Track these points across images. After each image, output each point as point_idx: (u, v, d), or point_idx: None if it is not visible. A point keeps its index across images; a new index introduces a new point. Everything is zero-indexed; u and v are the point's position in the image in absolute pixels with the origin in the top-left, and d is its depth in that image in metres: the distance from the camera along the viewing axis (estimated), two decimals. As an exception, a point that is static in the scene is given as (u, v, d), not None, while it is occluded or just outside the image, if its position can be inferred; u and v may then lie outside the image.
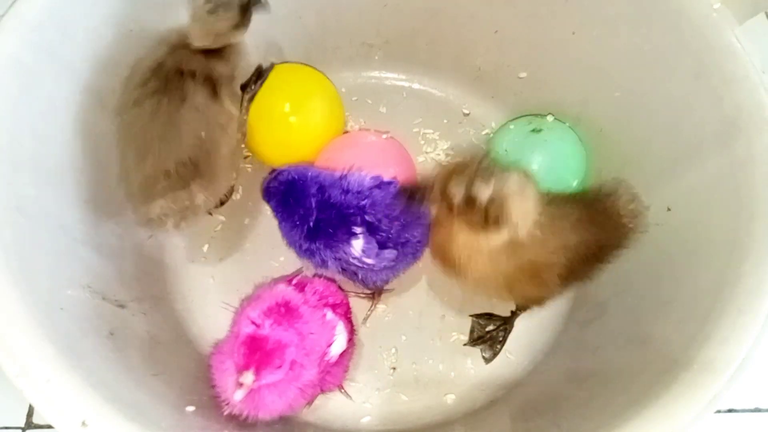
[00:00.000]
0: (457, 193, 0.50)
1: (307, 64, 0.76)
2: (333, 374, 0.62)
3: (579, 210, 0.58)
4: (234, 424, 0.58)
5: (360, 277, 0.64)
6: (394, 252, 0.62)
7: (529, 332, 0.72)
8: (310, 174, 0.62)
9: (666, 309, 0.57)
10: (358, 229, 0.60)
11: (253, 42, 0.72)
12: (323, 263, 0.62)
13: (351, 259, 0.61)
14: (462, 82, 0.81)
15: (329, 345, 0.59)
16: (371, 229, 0.61)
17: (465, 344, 0.70)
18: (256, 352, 0.52)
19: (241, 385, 0.51)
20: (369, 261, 0.61)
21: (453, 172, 0.51)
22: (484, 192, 0.49)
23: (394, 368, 0.70)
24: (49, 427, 0.45)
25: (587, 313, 0.69)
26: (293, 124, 0.71)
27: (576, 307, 0.71)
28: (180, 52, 0.58)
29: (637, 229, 0.60)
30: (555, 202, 0.57)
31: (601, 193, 0.61)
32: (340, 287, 0.67)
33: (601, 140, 0.72)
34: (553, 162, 0.71)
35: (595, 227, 0.58)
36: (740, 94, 0.55)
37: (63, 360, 0.47)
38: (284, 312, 0.56)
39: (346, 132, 0.78)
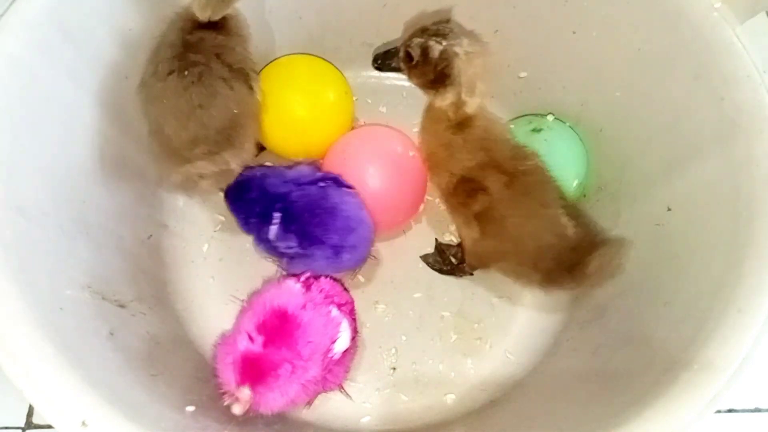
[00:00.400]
0: (415, 49, 0.57)
1: (318, 56, 0.76)
2: (334, 373, 0.62)
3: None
4: (234, 424, 0.58)
5: (286, 262, 0.67)
6: (295, 240, 0.65)
7: (529, 332, 0.72)
8: (262, 171, 0.68)
9: (666, 309, 0.57)
10: (276, 215, 0.64)
11: (253, 42, 0.72)
12: (258, 243, 0.68)
13: (271, 244, 0.66)
14: (462, 82, 0.81)
15: (333, 342, 0.59)
16: (287, 218, 0.65)
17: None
18: (251, 370, 0.53)
19: (238, 399, 0.52)
20: (277, 243, 0.65)
21: (415, 32, 0.58)
22: (435, 48, 0.56)
23: (394, 368, 0.70)
24: (49, 427, 0.45)
25: (587, 313, 0.69)
26: (304, 116, 0.71)
27: (576, 308, 0.71)
28: (197, 34, 0.61)
29: (594, 281, 0.60)
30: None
31: (591, 238, 0.60)
32: (345, 288, 0.67)
33: (601, 140, 0.72)
34: (554, 162, 0.71)
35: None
36: (741, 94, 0.55)
37: (63, 360, 0.47)
38: (279, 325, 0.56)
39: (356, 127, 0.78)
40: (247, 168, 0.67)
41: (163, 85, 0.60)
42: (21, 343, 0.46)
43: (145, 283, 0.67)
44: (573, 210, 0.62)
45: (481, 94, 0.59)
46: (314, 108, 0.71)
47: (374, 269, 0.74)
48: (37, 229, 0.53)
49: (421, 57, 0.58)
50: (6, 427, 0.67)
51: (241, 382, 0.53)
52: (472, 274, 0.73)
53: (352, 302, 0.66)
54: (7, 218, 0.51)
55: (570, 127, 0.75)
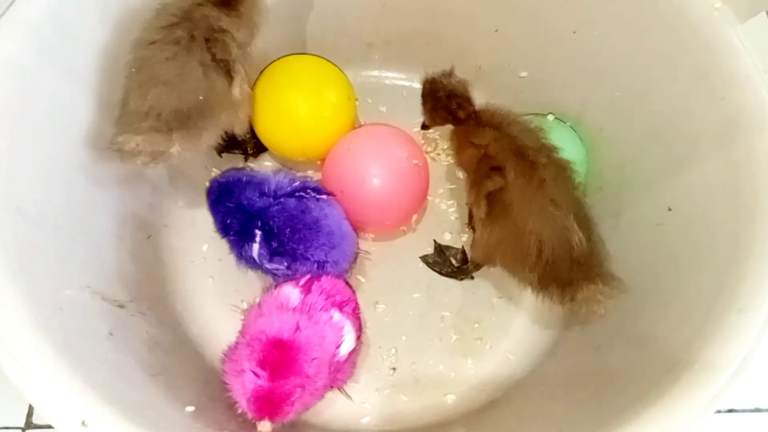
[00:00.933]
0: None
1: (320, 56, 0.76)
2: (343, 371, 0.62)
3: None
4: (234, 424, 0.58)
5: (271, 277, 0.67)
6: (284, 263, 0.64)
7: (530, 333, 0.72)
8: (239, 177, 0.67)
9: (666, 309, 0.57)
10: (257, 232, 0.64)
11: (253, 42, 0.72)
12: (239, 258, 0.67)
13: (255, 261, 0.65)
14: (462, 82, 0.81)
15: (338, 346, 0.59)
16: (267, 235, 0.64)
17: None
18: (265, 406, 0.53)
19: (260, 429, 0.53)
20: (266, 266, 0.65)
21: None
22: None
23: (393, 368, 0.70)
24: (49, 427, 0.45)
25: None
26: (305, 117, 0.71)
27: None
28: (203, 9, 0.61)
29: (578, 311, 0.60)
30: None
31: (593, 263, 0.60)
32: (347, 283, 0.67)
33: (601, 140, 0.72)
34: None
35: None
36: (741, 94, 0.55)
37: (63, 360, 0.47)
38: (279, 357, 0.55)
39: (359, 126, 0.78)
40: (230, 171, 0.67)
41: (141, 54, 0.59)
42: (21, 343, 0.46)
43: (145, 283, 0.67)
44: (586, 224, 0.61)
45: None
46: (316, 109, 0.71)
47: (374, 269, 0.74)
48: (37, 229, 0.53)
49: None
50: (6, 427, 0.67)
51: (260, 418, 0.53)
52: (472, 278, 0.73)
53: (354, 299, 0.66)
54: (7, 218, 0.51)
55: (571, 126, 0.75)
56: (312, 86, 0.72)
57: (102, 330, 0.56)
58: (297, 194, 0.66)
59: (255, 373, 0.54)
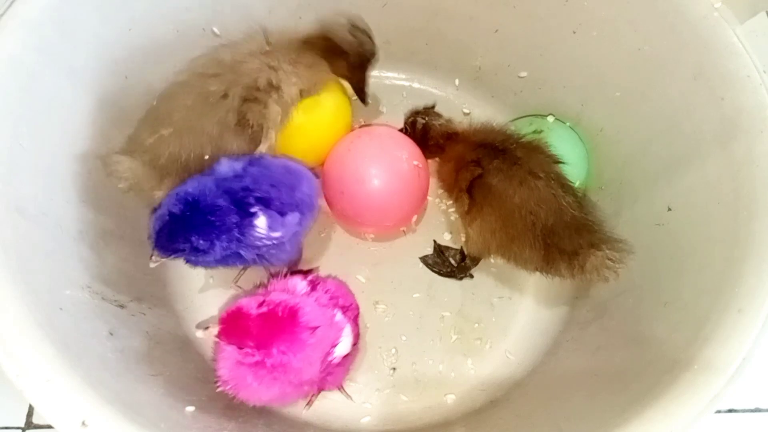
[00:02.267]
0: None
1: None
2: (334, 375, 0.62)
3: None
4: (234, 424, 0.58)
5: (275, 256, 0.64)
6: (297, 215, 0.62)
7: (530, 333, 0.72)
8: (177, 197, 0.59)
9: (666, 309, 0.57)
10: (254, 209, 0.60)
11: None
12: (241, 258, 0.62)
13: (262, 240, 0.60)
14: (462, 81, 0.81)
15: (334, 346, 0.59)
16: (266, 203, 0.60)
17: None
18: (232, 319, 0.54)
19: (206, 329, 0.54)
20: (277, 234, 0.61)
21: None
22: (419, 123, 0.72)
23: (394, 368, 0.70)
24: (49, 427, 0.45)
25: (587, 313, 0.69)
26: (301, 122, 0.70)
27: (576, 308, 0.71)
28: (264, 59, 0.62)
29: (589, 280, 0.60)
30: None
31: (594, 228, 0.61)
32: (350, 290, 0.67)
33: (601, 140, 0.72)
34: None
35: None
36: (741, 94, 0.55)
37: (63, 360, 0.47)
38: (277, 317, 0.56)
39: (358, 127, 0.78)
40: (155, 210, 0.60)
41: (172, 90, 0.61)
42: (21, 343, 0.46)
43: (145, 283, 0.67)
44: (572, 191, 0.62)
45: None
46: (312, 114, 0.71)
47: (374, 269, 0.74)
48: (37, 229, 0.53)
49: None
50: (6, 427, 0.67)
51: (220, 324, 0.53)
52: (472, 276, 0.74)
53: (356, 306, 0.66)
54: (7, 218, 0.51)
55: (571, 127, 0.75)
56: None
57: (102, 330, 0.56)
58: (249, 164, 0.63)
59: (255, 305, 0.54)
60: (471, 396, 0.68)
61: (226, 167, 0.61)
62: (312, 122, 0.71)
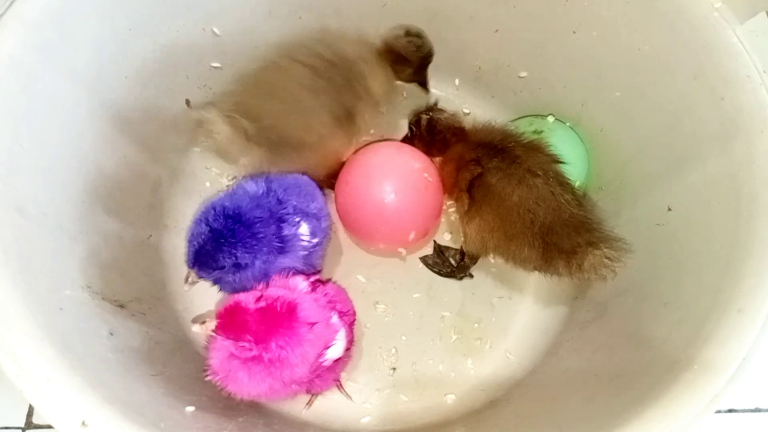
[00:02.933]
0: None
1: None
2: (323, 378, 0.62)
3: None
4: (234, 424, 0.58)
5: (312, 261, 0.66)
6: (327, 220, 0.66)
7: (530, 333, 0.72)
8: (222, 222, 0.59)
9: (666, 309, 0.57)
10: (297, 218, 0.62)
11: (253, 43, 0.72)
12: (276, 270, 0.62)
13: (306, 248, 0.63)
14: (462, 81, 0.81)
15: (327, 347, 0.59)
16: (303, 212, 0.63)
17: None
18: (229, 312, 0.54)
19: (203, 323, 0.54)
20: (317, 239, 0.64)
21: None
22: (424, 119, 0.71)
23: (394, 369, 0.70)
24: (49, 427, 0.45)
25: (587, 313, 0.69)
26: None
27: (576, 308, 0.71)
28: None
29: (588, 279, 0.60)
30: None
31: (593, 227, 0.61)
32: (349, 298, 0.67)
33: (601, 140, 0.72)
34: None
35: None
36: (741, 94, 0.55)
37: (63, 360, 0.47)
38: (280, 312, 0.56)
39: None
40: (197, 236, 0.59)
41: (283, 63, 0.62)
42: (21, 343, 0.46)
43: (145, 283, 0.67)
44: (572, 189, 0.62)
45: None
46: None
47: (374, 269, 0.74)
48: (37, 229, 0.53)
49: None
50: (6, 427, 0.67)
51: (218, 318, 0.53)
52: (471, 276, 0.74)
53: (354, 313, 0.66)
54: (7, 218, 0.51)
55: (571, 127, 0.75)
56: None
57: (102, 330, 0.56)
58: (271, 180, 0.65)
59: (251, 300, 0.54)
60: (471, 396, 0.68)
61: (253, 185, 0.62)
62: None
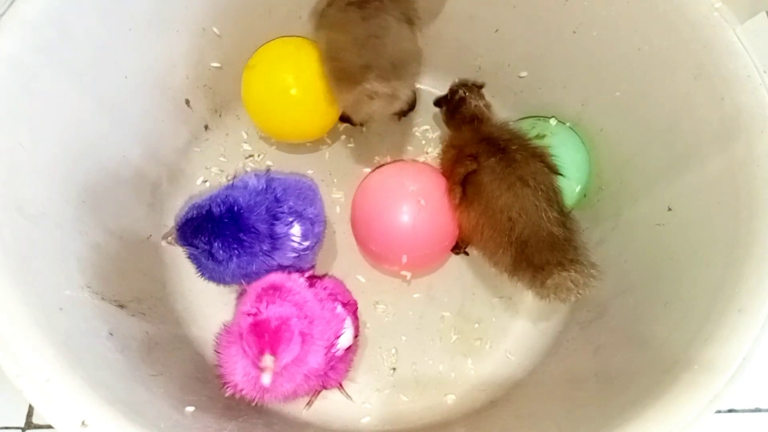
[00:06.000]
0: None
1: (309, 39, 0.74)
2: (336, 370, 0.62)
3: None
4: (234, 424, 0.58)
5: (299, 265, 0.65)
6: (322, 225, 0.66)
7: (530, 333, 0.72)
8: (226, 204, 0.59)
9: (666, 309, 0.57)
10: (290, 218, 0.62)
11: (253, 43, 0.72)
12: (254, 276, 0.61)
13: (295, 250, 0.62)
14: (462, 82, 0.81)
15: (337, 336, 0.59)
16: (299, 214, 0.63)
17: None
18: (264, 335, 0.51)
19: (263, 369, 0.51)
20: (307, 243, 0.63)
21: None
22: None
23: (394, 369, 0.70)
24: (49, 427, 0.45)
25: (588, 313, 0.69)
26: (295, 97, 0.70)
27: (576, 308, 0.71)
28: None
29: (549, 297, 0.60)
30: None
31: (568, 249, 0.61)
32: (347, 289, 0.67)
33: (602, 140, 0.72)
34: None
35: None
36: (741, 94, 0.54)
37: (63, 360, 0.47)
38: (274, 292, 0.56)
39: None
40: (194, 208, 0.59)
41: (343, 15, 0.62)
42: (21, 343, 0.46)
43: (145, 283, 0.67)
44: (560, 208, 0.63)
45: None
46: (308, 87, 0.70)
47: (374, 269, 0.74)
48: (37, 229, 0.53)
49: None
50: (6, 427, 0.67)
51: (261, 352, 0.51)
52: (467, 254, 0.74)
53: (355, 303, 0.66)
54: (7, 218, 0.51)
55: (572, 128, 0.75)
56: (302, 65, 0.70)
57: (102, 330, 0.56)
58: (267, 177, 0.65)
59: (250, 313, 0.53)
60: (471, 396, 0.68)
61: (254, 180, 0.63)
62: (307, 95, 0.70)
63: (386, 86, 0.61)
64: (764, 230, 0.51)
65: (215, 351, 0.58)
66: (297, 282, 0.59)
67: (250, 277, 0.61)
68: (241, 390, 0.54)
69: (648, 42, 0.61)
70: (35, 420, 0.67)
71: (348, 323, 0.61)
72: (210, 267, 0.60)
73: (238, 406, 0.61)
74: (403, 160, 0.78)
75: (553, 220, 0.61)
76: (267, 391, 0.54)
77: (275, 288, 0.56)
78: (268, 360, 0.50)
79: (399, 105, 0.64)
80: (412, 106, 0.78)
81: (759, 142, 0.53)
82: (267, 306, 0.53)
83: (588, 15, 0.65)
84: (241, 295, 0.63)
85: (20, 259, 0.50)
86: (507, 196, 0.61)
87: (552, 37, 0.70)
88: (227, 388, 0.55)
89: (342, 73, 0.63)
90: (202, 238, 0.58)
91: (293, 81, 0.70)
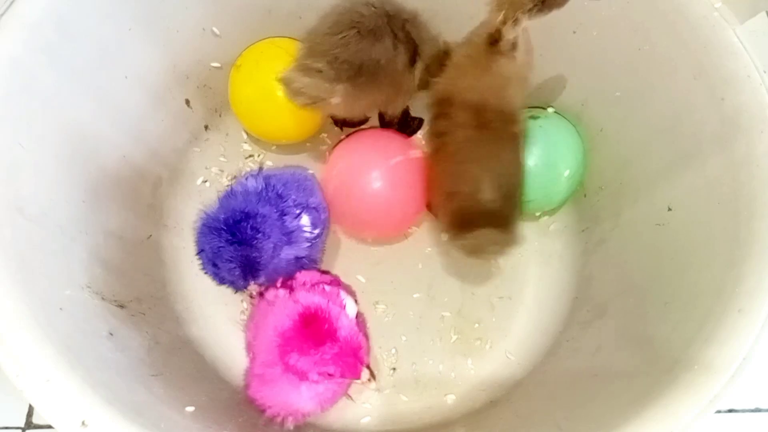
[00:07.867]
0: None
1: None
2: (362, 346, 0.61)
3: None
4: (234, 424, 0.58)
5: (313, 254, 0.67)
6: (326, 212, 0.68)
7: (530, 333, 0.72)
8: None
9: (666, 309, 0.57)
10: (297, 210, 0.64)
11: (253, 43, 0.72)
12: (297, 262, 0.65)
13: (308, 239, 0.65)
14: (462, 82, 0.81)
15: (343, 308, 0.60)
16: (304, 204, 0.65)
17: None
18: (347, 357, 0.57)
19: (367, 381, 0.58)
20: (317, 230, 0.66)
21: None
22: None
23: (394, 369, 0.70)
24: (49, 427, 0.45)
25: (588, 313, 0.69)
26: (282, 99, 0.68)
27: (576, 308, 0.71)
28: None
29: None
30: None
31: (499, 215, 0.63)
32: (324, 272, 0.69)
33: (601, 140, 0.72)
34: (546, 148, 0.70)
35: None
36: (741, 94, 0.54)
37: (63, 360, 0.47)
38: (311, 330, 0.57)
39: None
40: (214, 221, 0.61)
41: (344, 7, 0.63)
42: (21, 343, 0.46)
43: (145, 283, 0.67)
44: (510, 186, 0.64)
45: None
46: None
47: (374, 269, 0.74)
48: (37, 229, 0.53)
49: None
50: (6, 427, 0.67)
51: (354, 372, 0.57)
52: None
53: (335, 278, 0.68)
54: (7, 218, 0.51)
55: (569, 119, 0.75)
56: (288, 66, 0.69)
57: (102, 330, 0.56)
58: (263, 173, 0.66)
59: (304, 354, 0.56)
60: (471, 396, 0.68)
61: (252, 181, 0.64)
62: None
63: (318, 87, 0.61)
64: (764, 230, 0.51)
65: (251, 397, 0.60)
66: (280, 294, 0.61)
67: (273, 277, 0.64)
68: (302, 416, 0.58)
69: (648, 42, 0.61)
70: (35, 420, 0.67)
71: (344, 294, 0.62)
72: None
73: (238, 406, 0.61)
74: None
75: (496, 203, 0.62)
76: (327, 402, 0.59)
77: (310, 320, 0.58)
78: (366, 374, 0.58)
79: (327, 108, 0.65)
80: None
81: (759, 142, 0.53)
82: (315, 344, 0.56)
83: (588, 15, 0.65)
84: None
85: (20, 259, 0.50)
86: (464, 165, 0.62)
87: (552, 37, 0.70)
88: (288, 420, 0.59)
89: (301, 55, 0.62)
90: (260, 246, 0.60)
91: (278, 84, 0.68)
